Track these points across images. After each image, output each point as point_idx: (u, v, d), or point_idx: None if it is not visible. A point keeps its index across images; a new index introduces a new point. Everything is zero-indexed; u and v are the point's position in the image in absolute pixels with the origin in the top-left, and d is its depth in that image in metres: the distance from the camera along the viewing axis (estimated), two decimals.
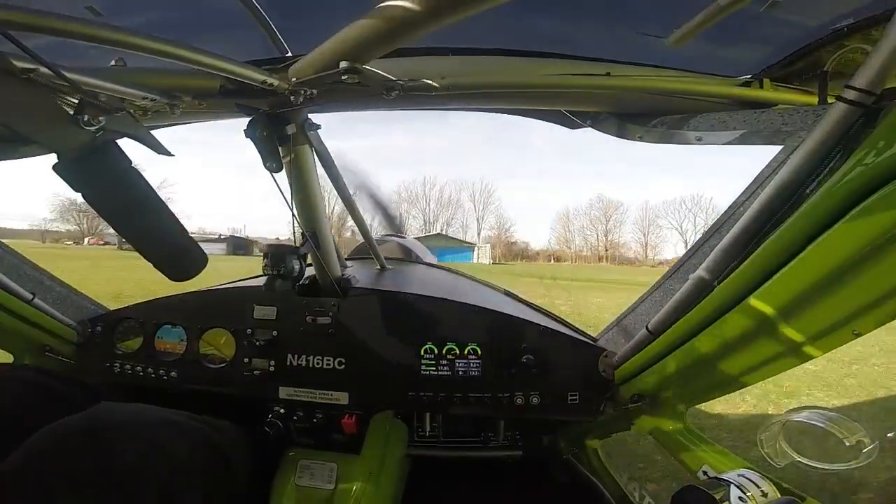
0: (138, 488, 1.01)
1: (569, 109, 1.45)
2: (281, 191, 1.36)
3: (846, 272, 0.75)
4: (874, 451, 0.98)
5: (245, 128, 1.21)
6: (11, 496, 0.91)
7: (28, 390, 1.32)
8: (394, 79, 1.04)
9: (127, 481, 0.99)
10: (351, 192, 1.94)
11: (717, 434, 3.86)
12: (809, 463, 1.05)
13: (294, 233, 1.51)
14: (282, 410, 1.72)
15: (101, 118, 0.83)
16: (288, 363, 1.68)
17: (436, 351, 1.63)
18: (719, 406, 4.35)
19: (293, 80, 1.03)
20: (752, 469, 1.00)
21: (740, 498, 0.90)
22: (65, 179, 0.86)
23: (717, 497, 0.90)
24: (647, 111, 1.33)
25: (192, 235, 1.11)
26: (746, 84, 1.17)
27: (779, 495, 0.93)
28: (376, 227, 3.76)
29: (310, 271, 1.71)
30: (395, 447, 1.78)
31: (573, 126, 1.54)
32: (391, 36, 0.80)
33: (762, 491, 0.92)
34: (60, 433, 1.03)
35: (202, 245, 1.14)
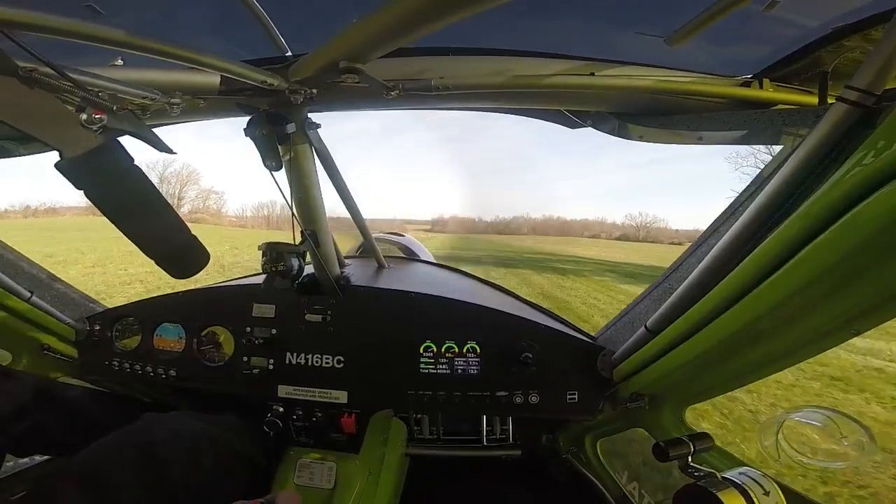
0: (182, 500, 1.09)
1: (569, 109, 1.45)
2: (280, 189, 1.36)
3: (845, 272, 0.75)
4: (873, 448, 0.98)
5: (245, 127, 1.22)
6: None
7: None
8: (394, 79, 1.04)
9: (173, 493, 1.07)
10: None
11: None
12: (809, 461, 1.05)
13: (294, 231, 1.52)
14: (281, 409, 1.71)
15: (102, 116, 0.83)
16: (287, 362, 1.68)
17: (435, 349, 1.63)
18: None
19: (293, 79, 1.03)
20: (752, 468, 1.00)
21: (742, 496, 0.90)
22: (67, 177, 0.86)
23: (719, 495, 0.90)
24: (648, 111, 1.33)
25: None
26: (746, 84, 1.17)
27: (780, 493, 0.93)
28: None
29: (309, 270, 1.71)
30: (395, 446, 1.78)
31: (573, 126, 1.55)
32: (391, 36, 0.80)
33: (764, 489, 0.92)
34: (113, 446, 1.08)
35: None
